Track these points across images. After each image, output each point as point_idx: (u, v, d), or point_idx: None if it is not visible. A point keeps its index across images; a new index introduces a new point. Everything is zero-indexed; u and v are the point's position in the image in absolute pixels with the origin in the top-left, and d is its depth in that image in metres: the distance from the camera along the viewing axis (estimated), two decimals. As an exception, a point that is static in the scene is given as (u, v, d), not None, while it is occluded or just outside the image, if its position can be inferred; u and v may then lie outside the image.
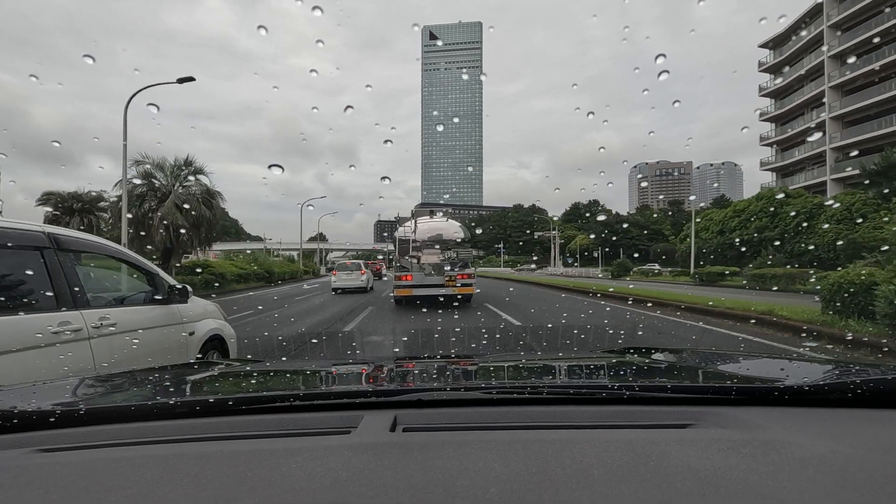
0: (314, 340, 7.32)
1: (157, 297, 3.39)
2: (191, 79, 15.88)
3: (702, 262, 32.03)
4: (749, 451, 0.67)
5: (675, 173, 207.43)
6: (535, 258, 78.26)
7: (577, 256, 65.95)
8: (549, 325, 8.58)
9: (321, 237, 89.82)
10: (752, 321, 8.07)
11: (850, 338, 6.15)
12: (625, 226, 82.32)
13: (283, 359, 5.89)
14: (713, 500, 0.55)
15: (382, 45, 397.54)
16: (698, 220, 37.97)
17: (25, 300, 2.45)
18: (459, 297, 11.77)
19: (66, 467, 0.69)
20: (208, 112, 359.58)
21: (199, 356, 3.63)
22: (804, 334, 6.95)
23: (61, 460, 0.72)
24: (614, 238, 78.07)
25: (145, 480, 0.63)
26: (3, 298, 2.37)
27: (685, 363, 1.47)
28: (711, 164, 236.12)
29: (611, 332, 7.41)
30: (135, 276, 3.50)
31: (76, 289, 2.68)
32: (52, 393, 1.16)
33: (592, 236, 71.40)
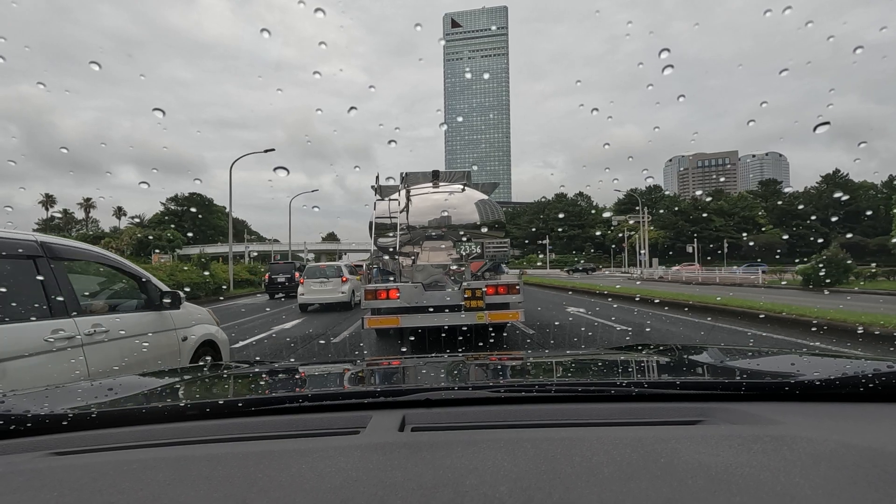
0: (321, 341, 7.37)
1: (148, 303, 3.41)
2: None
3: None
4: (760, 447, 0.66)
5: (720, 164, 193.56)
6: (585, 256, 68.61)
7: (647, 252, 56.24)
8: (556, 324, 8.56)
9: (333, 237, 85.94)
10: None
11: (860, 332, 6.10)
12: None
13: (292, 360, 5.93)
14: (724, 496, 0.55)
15: (412, 50, 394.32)
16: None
17: (19, 309, 2.45)
18: (491, 329, 6.81)
19: (78, 470, 0.69)
20: (241, 122, 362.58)
21: (192, 362, 3.63)
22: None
23: (74, 463, 0.73)
24: (693, 229, 68.23)
25: (157, 482, 0.64)
26: None
27: (694, 359, 1.46)
28: (754, 155, 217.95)
29: (618, 329, 7.34)
30: (126, 283, 3.52)
31: (69, 297, 2.68)
32: (65, 397, 1.17)
33: (650, 228, 57.89)
